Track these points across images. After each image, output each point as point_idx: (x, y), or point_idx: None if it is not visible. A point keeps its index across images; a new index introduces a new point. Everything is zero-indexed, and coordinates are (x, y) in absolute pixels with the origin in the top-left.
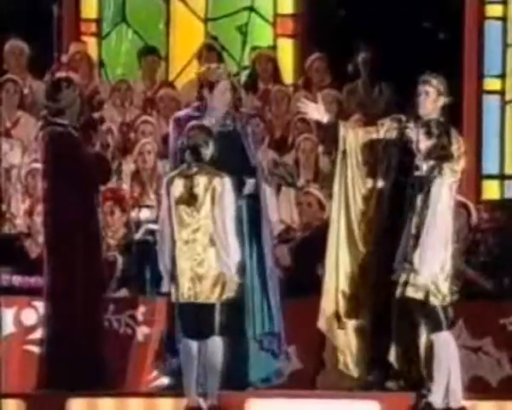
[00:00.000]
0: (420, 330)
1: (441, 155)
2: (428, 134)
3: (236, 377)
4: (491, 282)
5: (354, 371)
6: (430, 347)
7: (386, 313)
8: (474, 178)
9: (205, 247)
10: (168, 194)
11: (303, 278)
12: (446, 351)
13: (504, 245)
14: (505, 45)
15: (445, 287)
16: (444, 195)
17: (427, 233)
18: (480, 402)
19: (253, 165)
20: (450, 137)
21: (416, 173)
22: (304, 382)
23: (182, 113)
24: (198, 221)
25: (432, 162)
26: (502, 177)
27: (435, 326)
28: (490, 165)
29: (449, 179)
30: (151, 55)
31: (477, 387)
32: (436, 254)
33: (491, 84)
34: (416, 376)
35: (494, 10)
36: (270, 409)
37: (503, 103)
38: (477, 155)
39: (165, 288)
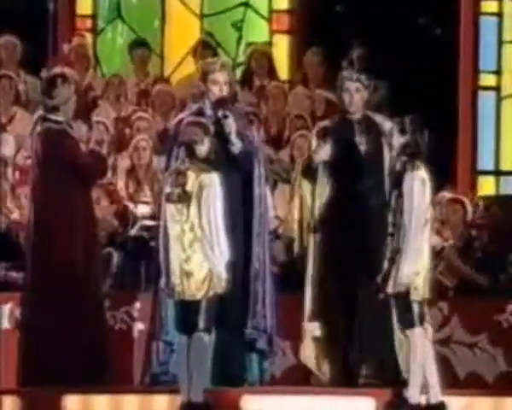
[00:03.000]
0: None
1: (414, 151)
2: (402, 131)
3: (230, 375)
4: (486, 278)
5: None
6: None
7: (361, 314)
8: (469, 173)
9: (192, 243)
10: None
11: (297, 273)
12: (421, 347)
13: (500, 241)
14: (500, 41)
15: (423, 283)
16: (416, 190)
17: (404, 230)
18: (475, 398)
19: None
20: (423, 133)
21: (390, 170)
22: (299, 378)
23: (183, 115)
24: (187, 218)
25: (405, 158)
26: (497, 173)
27: (410, 322)
28: (485, 161)
29: (422, 174)
30: (141, 47)
31: (473, 383)
32: (414, 250)
33: (487, 79)
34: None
35: (489, 6)
36: (265, 405)
37: (499, 99)
38: (472, 150)
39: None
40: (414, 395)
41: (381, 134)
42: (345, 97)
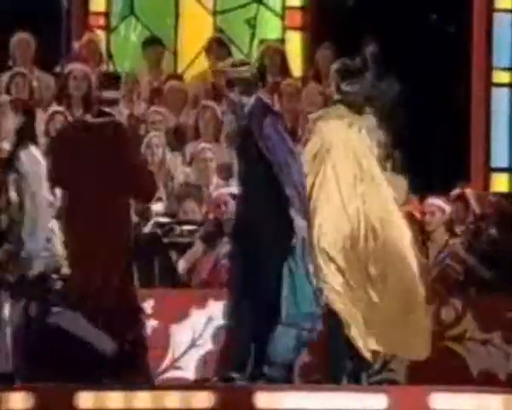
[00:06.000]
0: None
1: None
2: None
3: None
4: (492, 272)
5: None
6: None
7: None
8: (482, 170)
9: None
10: None
11: None
12: None
13: (509, 236)
14: None
15: None
16: None
17: None
18: (488, 395)
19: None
20: None
21: None
22: (312, 375)
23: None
24: None
25: None
26: (511, 170)
27: None
28: (499, 158)
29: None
30: (155, 45)
31: (486, 380)
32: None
33: (500, 76)
34: None
35: (503, 2)
36: (279, 402)
37: None
38: (486, 147)
39: None
40: None
41: None
42: None
